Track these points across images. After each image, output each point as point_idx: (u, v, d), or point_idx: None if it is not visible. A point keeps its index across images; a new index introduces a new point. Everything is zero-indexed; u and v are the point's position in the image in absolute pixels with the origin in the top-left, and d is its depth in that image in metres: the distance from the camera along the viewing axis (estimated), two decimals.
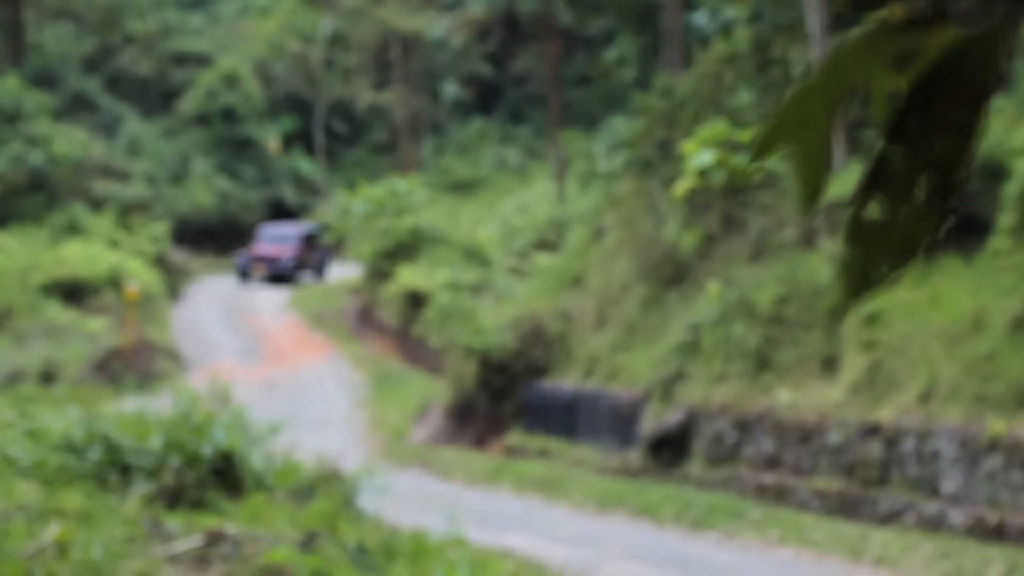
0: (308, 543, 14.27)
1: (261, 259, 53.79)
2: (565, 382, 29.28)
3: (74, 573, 9.02)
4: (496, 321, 31.52)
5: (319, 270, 55.66)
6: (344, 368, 40.50)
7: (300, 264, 54.31)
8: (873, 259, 2.15)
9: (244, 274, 54.20)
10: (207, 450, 16.45)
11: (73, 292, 42.13)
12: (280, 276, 53.40)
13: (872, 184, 2.13)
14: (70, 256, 43.43)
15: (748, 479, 22.65)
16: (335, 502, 16.56)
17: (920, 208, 2.13)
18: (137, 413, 17.78)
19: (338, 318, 47.15)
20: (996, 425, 18.12)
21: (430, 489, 24.62)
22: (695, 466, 24.14)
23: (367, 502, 18.48)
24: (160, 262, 49.87)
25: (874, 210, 2.12)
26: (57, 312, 40.49)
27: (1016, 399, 18.30)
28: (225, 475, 16.53)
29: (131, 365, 36.61)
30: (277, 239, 55.13)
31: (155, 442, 16.51)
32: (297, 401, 36.10)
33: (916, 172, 2.12)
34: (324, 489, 17.29)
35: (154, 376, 35.59)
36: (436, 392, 35.45)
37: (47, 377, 35.35)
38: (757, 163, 2.32)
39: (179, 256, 54.53)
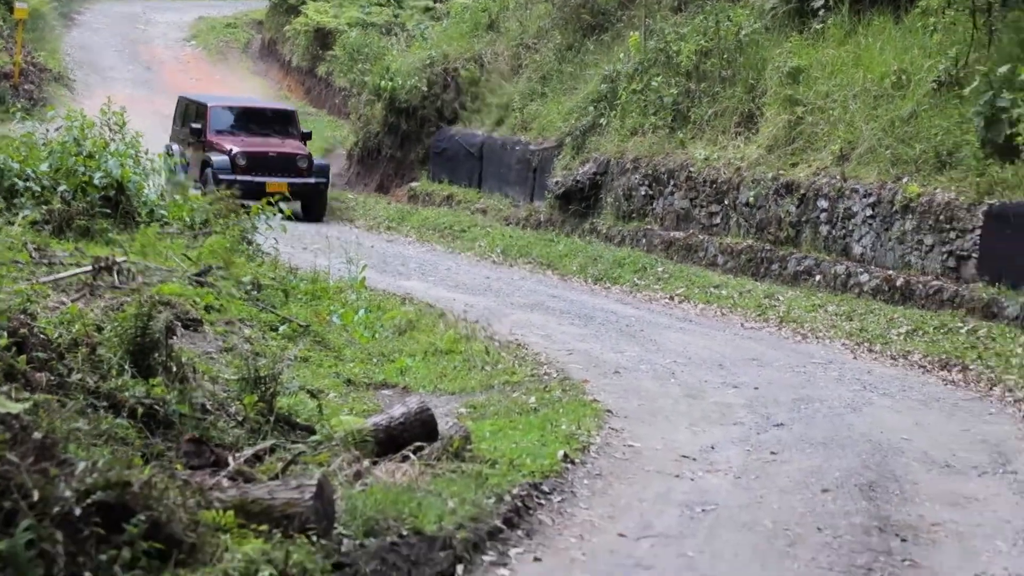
0: (201, 277, 13.76)
1: (263, 161, 27.61)
2: (475, 129, 28.63)
3: None
4: (406, 63, 30.59)
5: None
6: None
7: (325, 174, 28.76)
8: None
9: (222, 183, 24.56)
10: (98, 178, 15.77)
11: None
12: (310, 196, 27.96)
13: None
14: None
15: (658, 235, 22.35)
16: (231, 238, 16.04)
17: None
18: (25, 137, 16.95)
19: (241, 53, 45.72)
20: (911, 187, 17.85)
21: (331, 232, 24.07)
22: (604, 220, 23.79)
23: (264, 241, 17.95)
24: None
25: None
26: None
27: (934, 162, 18.01)
28: (116, 205, 15.90)
29: (19, 89, 35.23)
30: (260, 123, 29.39)
31: (43, 167, 15.79)
32: None
33: None
34: (220, 225, 16.70)
35: (43, 101, 34.29)
36: (340, 135, 34.67)
37: None
38: None
39: None
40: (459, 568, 7.49)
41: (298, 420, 9.56)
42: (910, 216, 17.88)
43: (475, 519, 8.13)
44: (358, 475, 8.36)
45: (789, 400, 13.18)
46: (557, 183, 24.77)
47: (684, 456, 10.94)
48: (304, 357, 12.73)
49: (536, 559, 8.05)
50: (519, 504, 8.78)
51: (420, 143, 30.17)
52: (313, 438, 8.94)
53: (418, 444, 9.19)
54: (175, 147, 28.39)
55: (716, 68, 22.64)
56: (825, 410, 12.82)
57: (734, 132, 21.90)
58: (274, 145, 28.19)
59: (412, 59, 30.76)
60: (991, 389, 14.05)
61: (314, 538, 6.86)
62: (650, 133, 23.34)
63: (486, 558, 7.84)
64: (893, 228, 18.16)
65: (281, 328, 13.48)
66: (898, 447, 11.51)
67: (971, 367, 14.77)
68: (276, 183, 26.70)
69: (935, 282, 17.30)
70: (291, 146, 28.31)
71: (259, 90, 39.62)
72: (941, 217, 17.37)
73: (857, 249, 18.81)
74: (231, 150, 27.44)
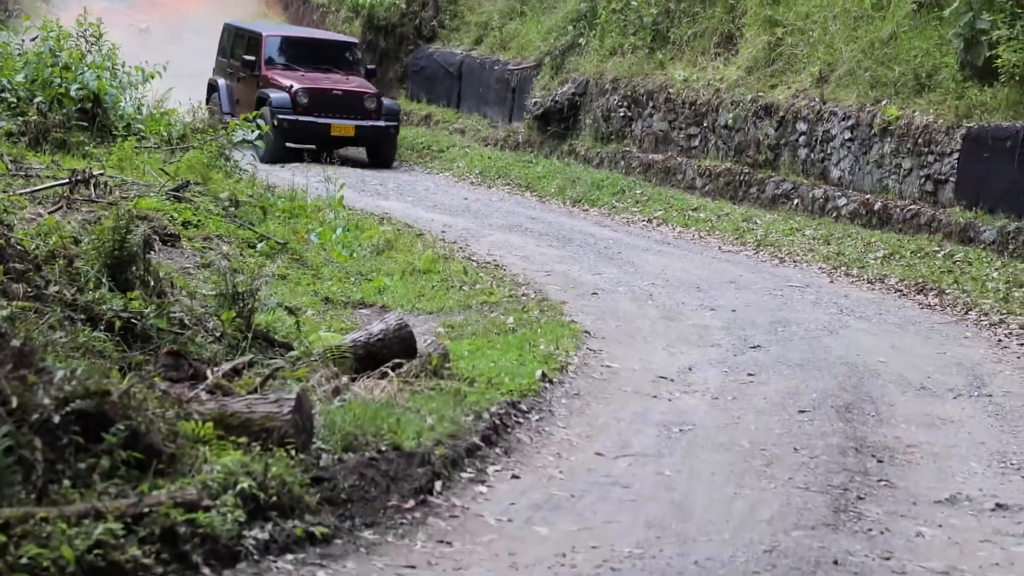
0: (179, 192, 13.68)
1: (327, 99, 24.05)
2: (454, 48, 28.43)
3: None
4: None
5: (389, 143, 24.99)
6: (220, 18, 39.00)
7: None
8: None
9: (286, 132, 23.35)
10: (74, 90, 15.64)
11: None
12: (379, 141, 24.58)
13: None
14: None
15: (636, 157, 22.28)
16: (209, 153, 15.94)
17: None
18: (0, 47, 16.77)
19: None
20: (890, 110, 17.82)
21: (308, 151, 23.88)
22: (583, 141, 23.71)
23: (243, 159, 17.85)
24: None
25: None
26: None
27: (913, 84, 17.97)
28: (93, 118, 15.79)
29: None
30: (319, 56, 25.56)
31: (19, 78, 15.64)
32: (171, 52, 34.73)
33: None
34: (197, 140, 16.59)
35: (18, 12, 33.85)
36: None
37: None
38: None
39: None
40: (437, 484, 7.51)
41: (276, 337, 9.54)
42: (888, 139, 17.87)
43: (453, 436, 8.14)
44: (337, 391, 8.36)
45: (766, 323, 13.22)
46: (536, 103, 24.65)
47: (662, 377, 10.98)
48: (282, 275, 12.68)
49: (514, 476, 8.07)
50: (497, 422, 8.79)
51: (398, 61, 29.95)
52: (291, 354, 8.92)
53: (397, 361, 9.18)
54: (221, 82, 25.94)
55: None
56: (802, 333, 12.86)
57: (713, 53, 21.79)
58: (338, 82, 24.62)
59: None
60: (967, 313, 14.12)
61: (293, 452, 6.86)
62: (629, 53, 23.22)
63: (464, 475, 7.87)
64: (871, 151, 18.15)
65: (259, 245, 13.44)
66: (874, 369, 11.57)
67: (947, 291, 14.83)
68: (342, 125, 23.86)
69: (912, 206, 17.32)
70: (356, 83, 24.79)
71: (238, 6, 39.22)
72: (919, 140, 17.36)
73: (835, 173, 18.80)
74: (291, 86, 23.86)
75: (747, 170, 20.10)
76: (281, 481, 6.44)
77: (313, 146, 23.59)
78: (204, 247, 12.42)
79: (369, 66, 26.25)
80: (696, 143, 21.41)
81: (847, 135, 18.53)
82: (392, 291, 13.30)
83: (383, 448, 7.50)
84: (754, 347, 12.16)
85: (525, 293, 13.84)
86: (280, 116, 23.15)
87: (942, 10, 17.94)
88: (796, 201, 19.03)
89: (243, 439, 6.75)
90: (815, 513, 7.74)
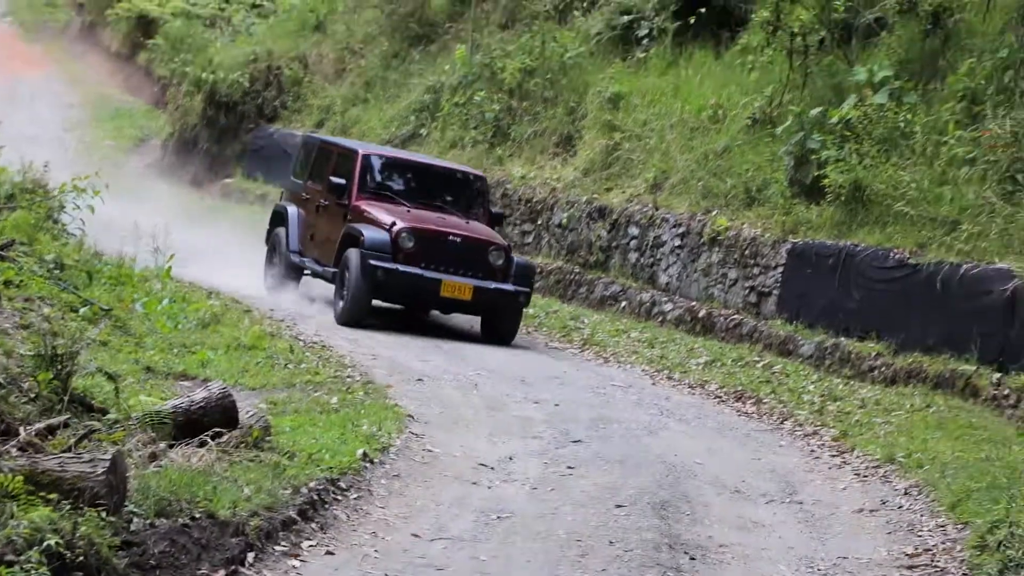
0: (3, 251, 13.37)
1: (440, 246, 17.75)
2: (295, 130, 28.42)
3: None
4: (229, 57, 30.26)
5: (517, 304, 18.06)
6: (58, 87, 38.48)
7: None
8: None
9: (379, 285, 17.43)
10: None
11: None
12: (500, 310, 17.98)
13: None
14: None
15: None
16: (37, 215, 15.62)
17: None
18: None
19: (58, 33, 44.61)
20: (720, 221, 18.25)
21: (141, 221, 23.50)
22: None
23: (72, 223, 17.50)
24: None
25: None
26: None
27: (743, 197, 18.45)
28: None
29: None
30: (432, 189, 19.05)
31: None
32: (4, 113, 34.13)
33: None
34: (26, 200, 16.25)
35: None
36: (156, 126, 34.12)
37: None
38: None
39: None
40: (250, 555, 7.40)
41: (94, 402, 9.32)
42: (717, 249, 18.27)
43: (270, 508, 8.04)
44: (153, 456, 8.20)
45: (588, 419, 13.32)
46: None
47: (482, 464, 10.99)
48: (104, 341, 12.43)
49: (329, 552, 7.99)
50: (315, 497, 8.72)
51: (238, 139, 29.85)
52: (108, 416, 8.74)
53: (217, 430, 9.05)
54: (291, 210, 19.79)
55: (539, 88, 22.89)
56: (623, 431, 12.98)
57: (552, 153, 22.15)
58: (455, 225, 18.19)
59: (236, 53, 30.46)
60: (783, 422, 14.38)
61: (104, 513, 6.70)
62: (470, 147, 23.47)
63: (278, 548, 7.77)
64: (700, 260, 18.54)
65: (82, 310, 13.16)
66: (691, 470, 11.71)
67: (765, 400, 15.11)
68: (456, 283, 17.58)
69: (736, 316, 17.68)
70: (478, 230, 18.36)
71: (79, 74, 38.71)
72: (746, 252, 17.78)
73: (663, 278, 19.14)
74: (392, 224, 17.72)
75: (578, 270, 20.37)
76: (89, 541, 6.28)
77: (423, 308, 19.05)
78: (25, 307, 12.12)
79: (495, 210, 19.93)
80: (530, 240, 21.63)
81: (677, 242, 18.91)
82: (216, 364, 13.11)
83: (197, 515, 7.38)
84: (575, 441, 12.25)
85: (350, 375, 13.78)
86: (373, 261, 17.37)
87: (775, 127, 18.50)
88: (624, 303, 19.32)
89: (53, 496, 6.58)
90: None
